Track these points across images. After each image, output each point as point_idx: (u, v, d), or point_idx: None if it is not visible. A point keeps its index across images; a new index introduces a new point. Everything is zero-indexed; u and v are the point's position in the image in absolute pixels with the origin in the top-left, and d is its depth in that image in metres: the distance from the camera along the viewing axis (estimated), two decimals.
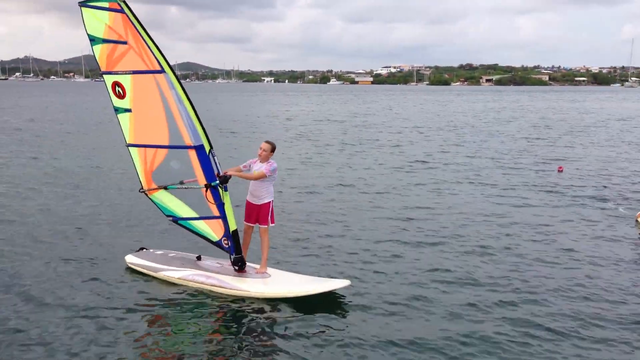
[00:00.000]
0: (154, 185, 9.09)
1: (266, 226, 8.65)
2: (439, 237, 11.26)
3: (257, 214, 8.62)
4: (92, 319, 7.39)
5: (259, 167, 8.47)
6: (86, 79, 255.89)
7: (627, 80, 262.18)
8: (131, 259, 9.37)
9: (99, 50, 8.40)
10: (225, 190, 8.27)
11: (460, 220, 12.57)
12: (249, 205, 8.65)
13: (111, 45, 8.24)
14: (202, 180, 8.36)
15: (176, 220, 9.22)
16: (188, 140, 8.25)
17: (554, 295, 8.33)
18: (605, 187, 16.73)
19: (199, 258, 9.23)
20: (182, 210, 9.02)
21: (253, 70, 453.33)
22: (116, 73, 8.47)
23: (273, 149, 8.61)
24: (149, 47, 7.92)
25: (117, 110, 8.74)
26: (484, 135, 32.30)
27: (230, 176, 8.24)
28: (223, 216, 8.49)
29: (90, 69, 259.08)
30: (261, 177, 8.37)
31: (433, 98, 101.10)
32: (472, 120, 44.66)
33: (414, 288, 8.54)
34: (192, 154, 8.28)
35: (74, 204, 13.62)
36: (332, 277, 8.69)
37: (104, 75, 8.63)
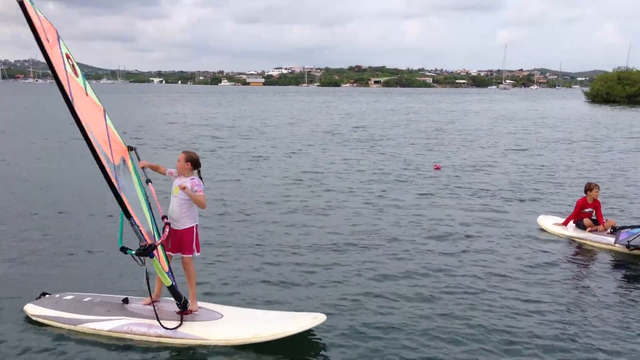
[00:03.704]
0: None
1: (190, 255, 7.17)
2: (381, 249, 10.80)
3: (178, 241, 7.10)
4: None
5: (182, 182, 7.03)
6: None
7: (502, 83, 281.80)
8: (34, 310, 7.27)
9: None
10: (151, 257, 6.30)
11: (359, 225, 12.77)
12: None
13: None
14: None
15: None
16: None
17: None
18: (482, 182, 17.72)
19: (125, 301, 7.37)
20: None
21: (140, 70, 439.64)
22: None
23: (189, 160, 7.14)
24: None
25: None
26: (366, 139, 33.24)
27: (154, 246, 6.31)
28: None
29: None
30: (202, 202, 7.03)
31: (322, 99, 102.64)
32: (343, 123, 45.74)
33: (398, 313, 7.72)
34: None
35: None
36: (295, 312, 7.32)
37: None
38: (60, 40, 6.68)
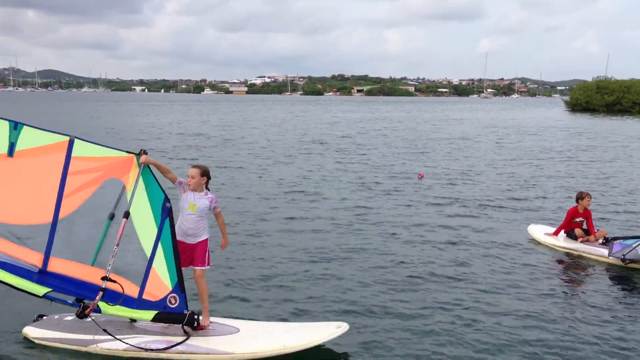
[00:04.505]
0: None
1: (203, 268, 7.00)
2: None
3: (190, 254, 6.93)
4: None
5: (196, 200, 6.86)
6: None
7: (483, 92, 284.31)
8: (36, 333, 6.84)
9: None
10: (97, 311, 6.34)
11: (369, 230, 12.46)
12: (180, 246, 6.86)
13: None
14: None
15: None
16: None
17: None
18: (468, 191, 17.51)
19: (133, 320, 7.07)
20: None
21: (122, 78, 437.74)
22: None
23: (204, 175, 6.96)
24: None
25: None
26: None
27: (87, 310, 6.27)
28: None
29: None
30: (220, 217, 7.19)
31: (305, 108, 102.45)
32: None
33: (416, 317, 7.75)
34: None
35: None
36: (314, 322, 7.26)
37: None
38: None
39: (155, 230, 6.67)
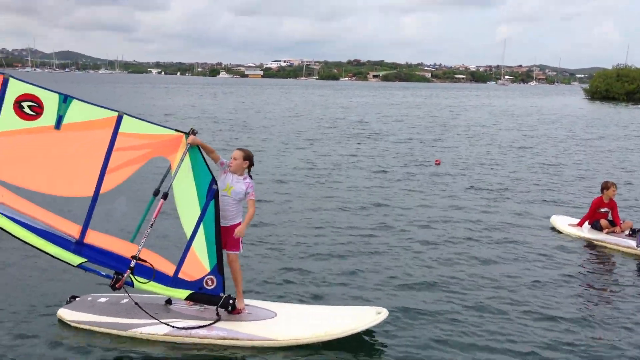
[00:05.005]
0: None
1: (237, 252, 6.94)
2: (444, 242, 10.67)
3: (224, 237, 6.84)
4: None
5: (233, 182, 6.78)
6: None
7: (500, 79, 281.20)
8: (71, 315, 6.76)
9: None
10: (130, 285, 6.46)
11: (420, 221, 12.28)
12: None
13: None
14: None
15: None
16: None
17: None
18: (487, 179, 17.22)
19: (169, 302, 7.01)
20: None
21: (139, 61, 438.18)
22: None
23: (247, 159, 6.89)
24: None
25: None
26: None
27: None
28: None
29: None
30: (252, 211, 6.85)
31: (321, 92, 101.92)
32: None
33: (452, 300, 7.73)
34: None
35: None
36: (351, 306, 7.22)
37: None
38: (9, 85, 6.05)
39: (198, 211, 6.64)
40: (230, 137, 27.17)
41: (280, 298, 7.70)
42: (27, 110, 6.11)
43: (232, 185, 6.80)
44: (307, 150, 23.19)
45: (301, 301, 7.61)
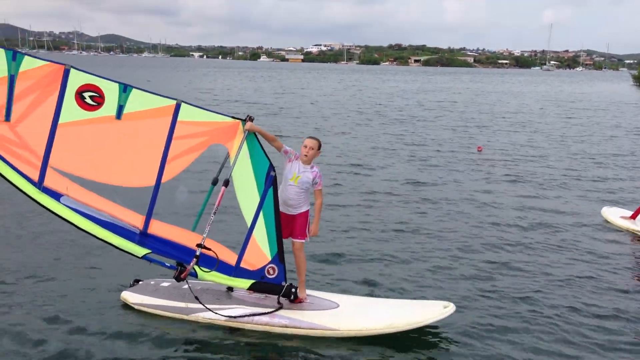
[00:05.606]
0: None
1: (302, 240, 6.84)
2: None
3: (290, 226, 6.78)
4: None
5: (300, 171, 6.68)
6: None
7: (545, 64, 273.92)
8: (135, 298, 6.89)
9: None
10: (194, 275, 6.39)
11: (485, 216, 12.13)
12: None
13: None
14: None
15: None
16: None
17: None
18: (534, 168, 16.80)
19: (230, 289, 7.07)
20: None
21: (181, 44, 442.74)
22: None
23: (320, 148, 6.86)
24: None
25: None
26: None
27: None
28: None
29: None
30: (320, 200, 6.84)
31: (362, 77, 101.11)
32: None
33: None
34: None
35: None
36: (417, 300, 7.11)
37: None
38: (70, 75, 6.00)
39: (257, 199, 6.60)
40: (269, 121, 27.13)
41: (342, 290, 7.52)
42: (88, 100, 6.09)
43: (300, 174, 6.69)
44: (345, 136, 23.03)
45: (363, 294, 7.41)
